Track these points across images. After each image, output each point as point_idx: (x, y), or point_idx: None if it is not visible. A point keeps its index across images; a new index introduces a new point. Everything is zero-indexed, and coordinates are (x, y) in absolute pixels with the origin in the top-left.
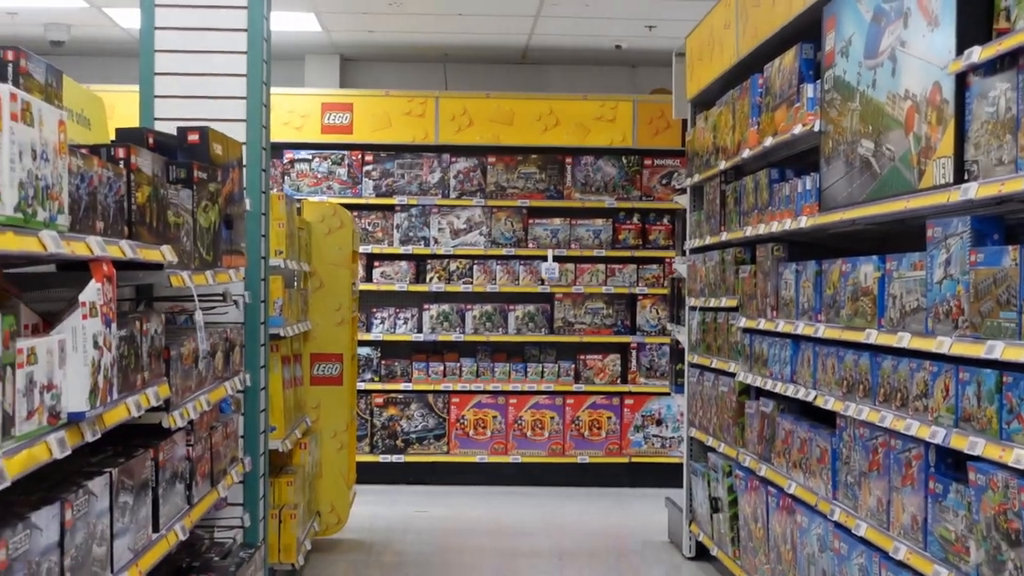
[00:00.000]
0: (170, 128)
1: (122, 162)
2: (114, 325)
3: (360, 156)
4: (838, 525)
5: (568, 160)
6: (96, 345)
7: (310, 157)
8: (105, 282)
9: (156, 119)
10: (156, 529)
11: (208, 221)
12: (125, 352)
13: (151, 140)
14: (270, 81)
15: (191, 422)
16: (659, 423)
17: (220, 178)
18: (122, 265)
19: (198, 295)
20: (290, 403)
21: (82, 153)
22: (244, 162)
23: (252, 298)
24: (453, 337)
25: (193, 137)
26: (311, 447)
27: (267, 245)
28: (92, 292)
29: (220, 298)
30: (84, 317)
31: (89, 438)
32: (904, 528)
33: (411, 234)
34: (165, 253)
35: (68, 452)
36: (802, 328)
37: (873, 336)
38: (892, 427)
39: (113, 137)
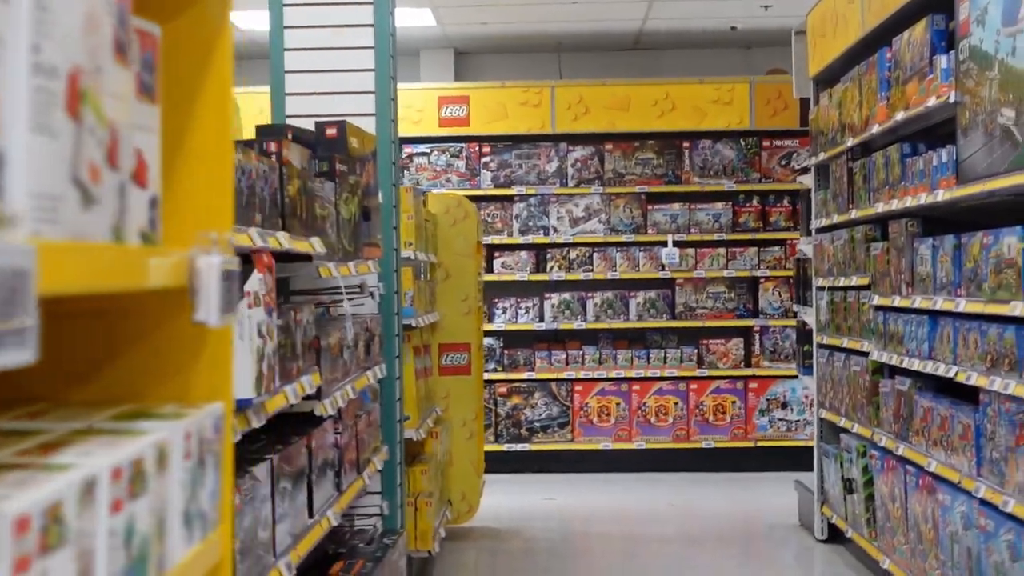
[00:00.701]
0: (301, 125)
1: (274, 156)
2: (275, 314)
3: (478, 148)
4: (984, 502)
5: (685, 144)
6: (260, 334)
7: (428, 151)
8: (266, 272)
9: (288, 116)
10: (311, 515)
11: (349, 213)
12: (282, 341)
13: (290, 136)
14: (396, 76)
15: (339, 410)
16: (784, 406)
17: (358, 171)
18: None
19: (335, 287)
20: (421, 393)
21: (242, 147)
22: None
23: (386, 289)
24: (575, 325)
25: (331, 131)
26: (442, 436)
27: (398, 237)
28: (255, 282)
29: (358, 289)
30: (249, 306)
31: (256, 424)
32: None
33: (530, 224)
34: (315, 244)
35: (239, 438)
36: (941, 303)
37: (1019, 308)
38: None
39: (252, 135)
